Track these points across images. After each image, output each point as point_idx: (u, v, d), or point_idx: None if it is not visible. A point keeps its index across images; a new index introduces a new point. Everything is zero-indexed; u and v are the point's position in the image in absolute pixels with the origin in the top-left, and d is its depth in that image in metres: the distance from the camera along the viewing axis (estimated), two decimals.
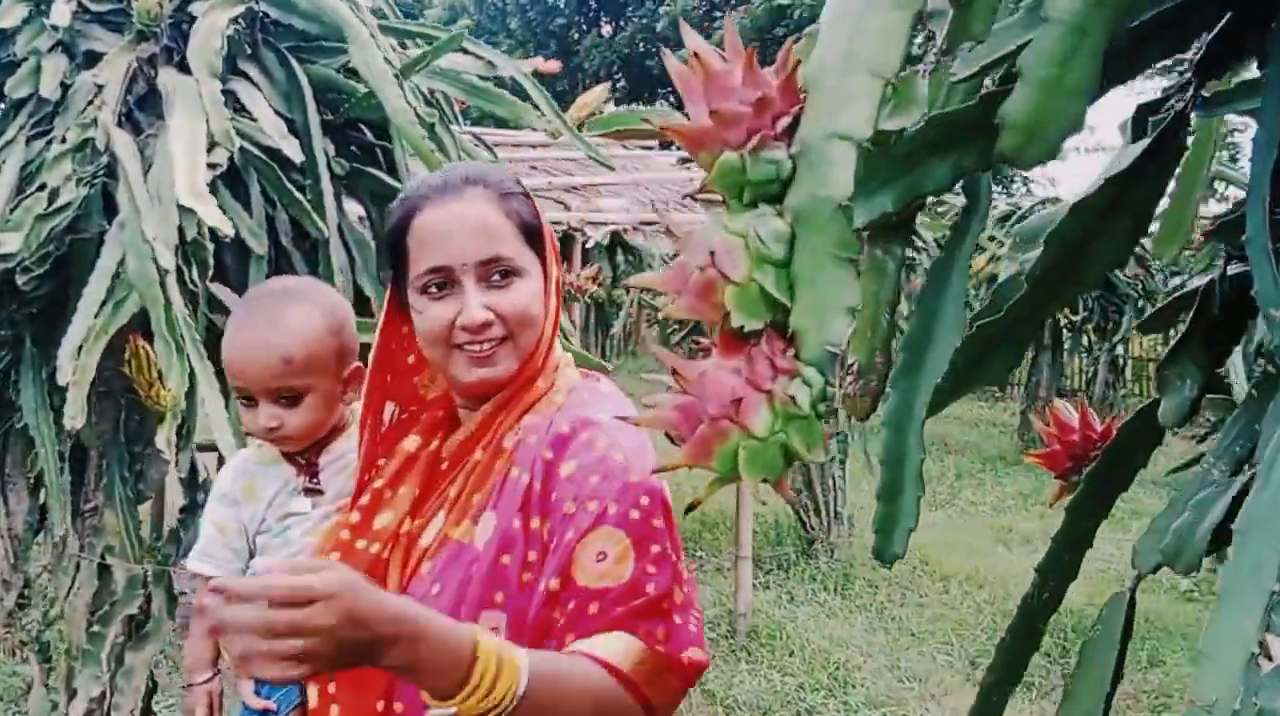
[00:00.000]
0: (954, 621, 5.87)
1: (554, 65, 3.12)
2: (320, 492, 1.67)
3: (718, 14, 23.13)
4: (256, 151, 2.68)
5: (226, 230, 2.21)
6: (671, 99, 25.66)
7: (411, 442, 1.52)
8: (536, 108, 2.98)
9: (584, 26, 25.11)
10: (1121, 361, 11.27)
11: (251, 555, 1.67)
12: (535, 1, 24.81)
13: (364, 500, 1.49)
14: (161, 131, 2.52)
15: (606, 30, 25.11)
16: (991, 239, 7.95)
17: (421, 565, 1.41)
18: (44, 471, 2.71)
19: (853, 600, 6.13)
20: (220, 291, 2.64)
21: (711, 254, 0.66)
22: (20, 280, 2.40)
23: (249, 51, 2.81)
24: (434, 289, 1.41)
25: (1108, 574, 6.67)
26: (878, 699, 4.81)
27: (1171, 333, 1.24)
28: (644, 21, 23.45)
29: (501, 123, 3.47)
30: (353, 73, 2.90)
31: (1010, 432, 11.97)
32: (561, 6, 24.74)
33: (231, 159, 2.63)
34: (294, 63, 2.80)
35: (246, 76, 2.76)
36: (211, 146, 2.47)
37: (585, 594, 1.30)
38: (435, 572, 1.38)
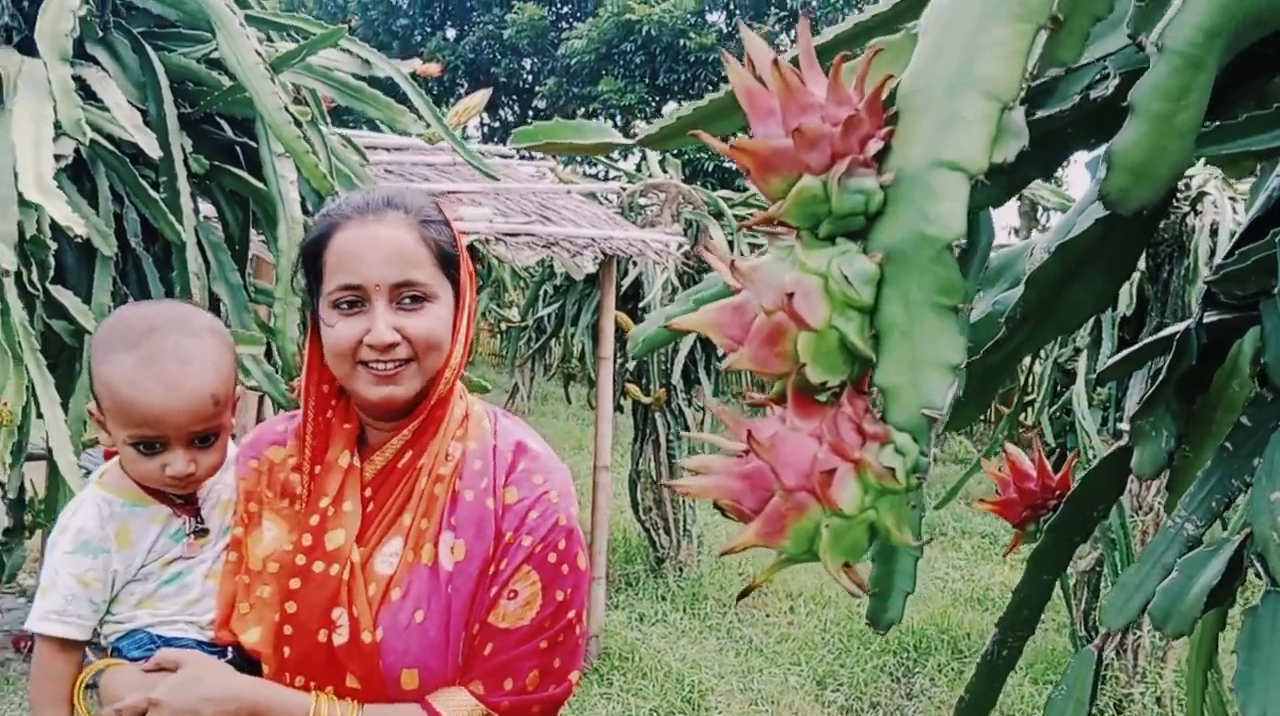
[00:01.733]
0: (801, 641, 5.91)
1: (434, 67, 2.97)
2: (207, 532, 1.52)
3: (563, 24, 23.07)
4: (106, 144, 2.45)
5: (78, 230, 1.98)
6: (515, 108, 25.47)
7: (344, 458, 1.51)
8: (414, 111, 2.83)
9: (428, 29, 24.66)
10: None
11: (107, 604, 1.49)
12: (378, 1, 24.25)
13: (313, 521, 1.47)
14: (1, 118, 2.27)
15: (451, 34, 24.74)
16: None
17: (390, 592, 1.43)
18: None
19: (703, 620, 6.11)
20: (61, 294, 2.39)
21: (788, 296, 0.56)
22: None
23: (99, 34, 2.58)
24: (345, 305, 1.44)
25: (943, 593, 6.85)
26: None
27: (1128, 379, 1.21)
28: (490, 28, 23.19)
29: (373, 126, 3.29)
30: (214, 63, 2.70)
31: None
32: (405, 7, 24.25)
33: (77, 151, 2.40)
34: (149, 49, 2.57)
35: (96, 62, 2.53)
36: (57, 137, 2.24)
37: (488, 632, 1.43)
38: (413, 598, 1.42)
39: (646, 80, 20.63)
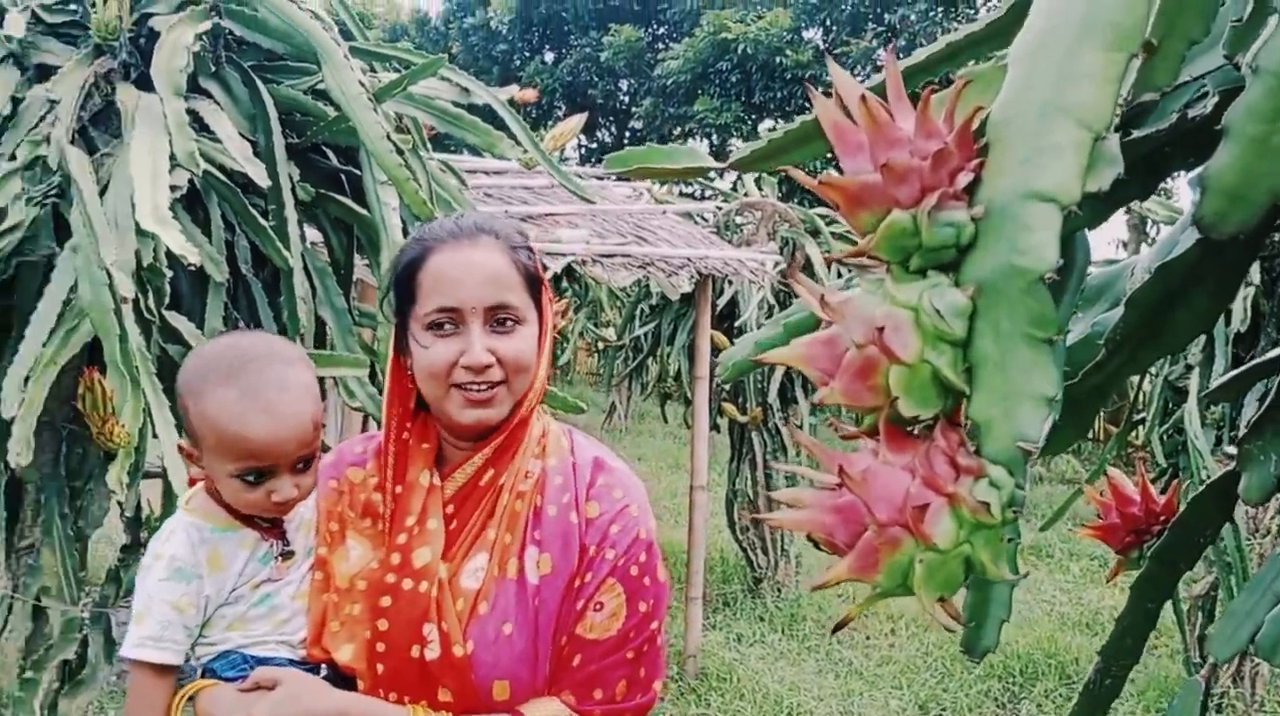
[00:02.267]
0: (902, 664, 5.81)
1: (530, 93, 3.01)
2: (293, 553, 1.56)
3: (660, 45, 23.19)
4: (218, 174, 2.54)
5: (192, 258, 2.06)
6: (612, 130, 25.66)
7: (425, 477, 1.55)
8: (512, 136, 2.88)
9: (526, 53, 25.02)
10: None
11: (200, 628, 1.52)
12: (478, 27, 24.68)
13: (400, 540, 1.51)
14: (119, 151, 2.37)
15: (549, 58, 25.06)
16: None
17: (478, 606, 1.46)
18: None
19: (801, 641, 6.05)
20: (175, 320, 2.49)
21: (879, 330, 0.56)
22: None
23: (212, 69, 2.67)
24: (441, 327, 1.48)
25: (1050, 617, 6.69)
26: None
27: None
28: (587, 50, 23.43)
29: (473, 151, 3.36)
30: (319, 94, 2.78)
31: None
32: (504, 33, 24.63)
33: (191, 182, 2.49)
34: (259, 82, 2.66)
35: (209, 95, 2.62)
36: (173, 168, 2.33)
37: (577, 643, 1.46)
38: (501, 611, 1.45)
39: (742, 99, 20.63)
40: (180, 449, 1.54)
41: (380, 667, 1.47)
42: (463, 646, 1.43)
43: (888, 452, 0.57)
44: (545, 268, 1.61)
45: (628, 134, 25.04)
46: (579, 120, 3.18)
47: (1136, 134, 0.82)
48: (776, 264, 5.83)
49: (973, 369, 0.57)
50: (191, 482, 1.64)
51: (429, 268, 1.49)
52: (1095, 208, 0.88)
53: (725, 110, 20.48)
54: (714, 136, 22.30)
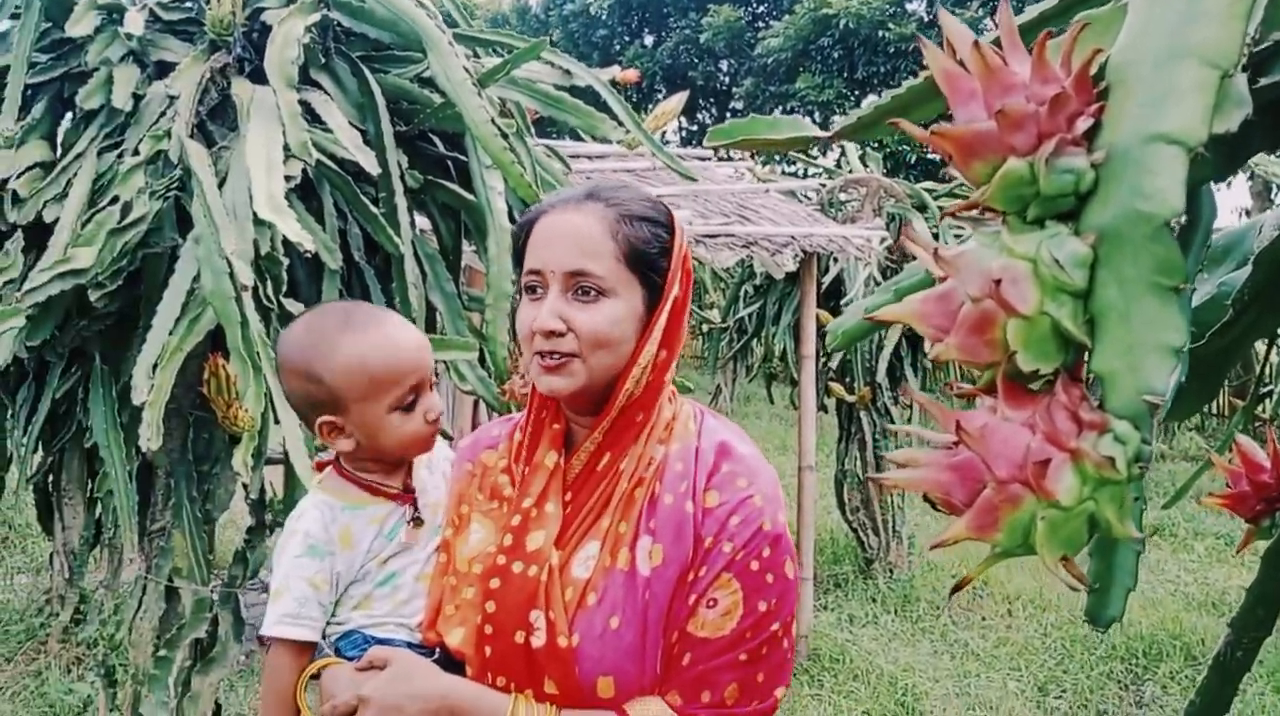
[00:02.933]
0: (1020, 645, 5.70)
1: (632, 74, 3.01)
2: (423, 522, 1.58)
3: (759, 24, 23.00)
4: (330, 163, 2.60)
5: (308, 246, 2.12)
6: (713, 111, 25.54)
7: (550, 458, 1.50)
8: (614, 117, 2.89)
9: (626, 38, 25.05)
10: None
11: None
12: (578, 13, 24.79)
13: (515, 521, 1.47)
14: (235, 143, 2.44)
15: (649, 41, 25.05)
16: None
17: (586, 597, 1.40)
18: (111, 490, 2.63)
19: (915, 622, 5.97)
20: (293, 307, 2.55)
21: (996, 282, 0.55)
22: (93, 297, 2.32)
23: (322, 61, 2.73)
24: (533, 291, 1.46)
25: (1174, 597, 6.50)
26: None
27: None
28: (686, 32, 23.36)
29: (575, 135, 3.37)
30: (425, 82, 2.82)
31: None
32: (604, 18, 24.69)
33: (304, 172, 2.55)
34: (367, 72, 2.71)
35: (319, 86, 2.68)
36: (287, 159, 2.39)
37: (686, 641, 1.39)
38: (609, 603, 1.39)
39: (844, 75, 20.37)
40: (324, 428, 1.55)
41: (488, 650, 1.43)
42: (568, 637, 1.38)
43: (1006, 409, 0.56)
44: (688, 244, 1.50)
45: (729, 114, 24.89)
46: (680, 100, 3.17)
47: (1265, 81, 0.79)
48: (883, 240, 5.75)
49: (1094, 320, 0.55)
50: (319, 467, 1.68)
51: (533, 232, 1.46)
52: (1221, 157, 0.84)
53: (827, 87, 20.25)
54: (816, 114, 22.05)
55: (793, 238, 5.03)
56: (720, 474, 1.43)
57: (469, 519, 1.56)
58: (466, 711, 1.39)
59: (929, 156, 21.13)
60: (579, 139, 5.68)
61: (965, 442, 0.55)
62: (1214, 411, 11.50)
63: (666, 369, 1.49)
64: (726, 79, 24.30)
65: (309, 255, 2.21)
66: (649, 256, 1.44)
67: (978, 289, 0.56)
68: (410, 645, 1.52)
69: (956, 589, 0.62)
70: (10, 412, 2.84)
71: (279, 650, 1.53)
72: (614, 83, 2.95)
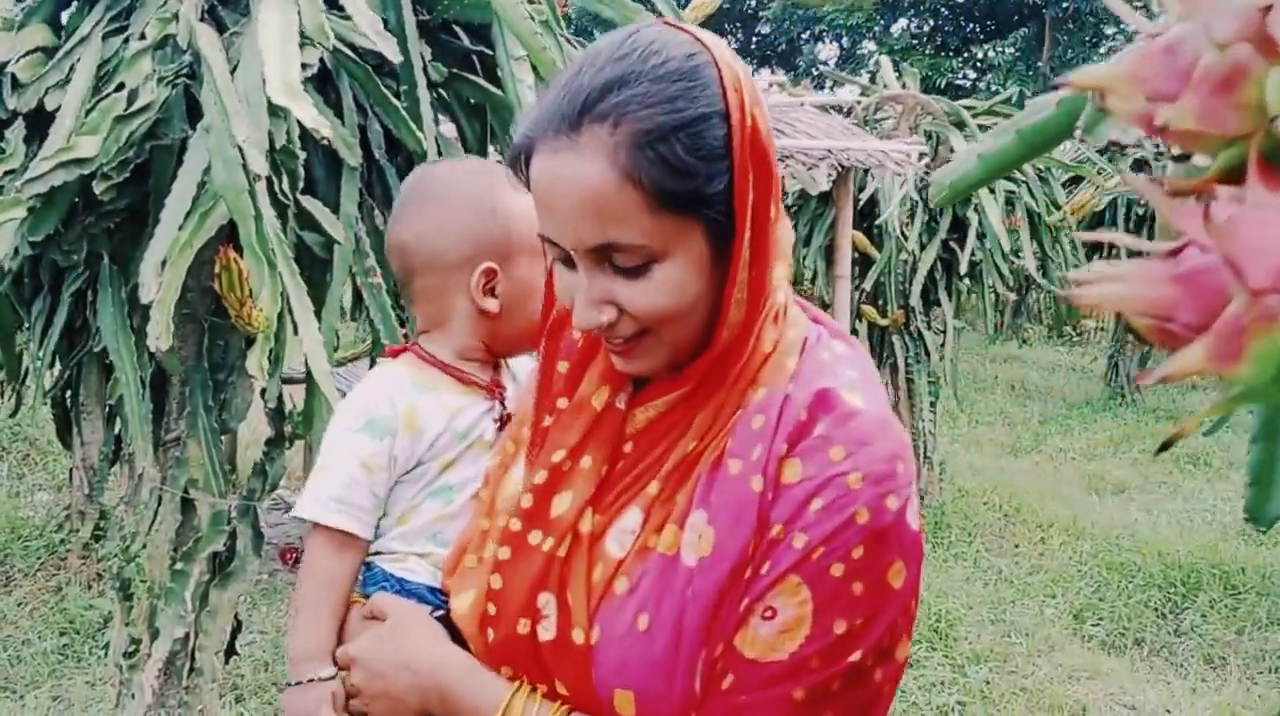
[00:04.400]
0: (1054, 573, 5.60)
1: None
2: (510, 419, 1.32)
3: None
4: (349, 52, 2.45)
5: (324, 132, 1.96)
6: (739, 36, 25.07)
7: (598, 396, 1.14)
8: (651, 6, 2.71)
9: None
10: None
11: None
12: None
13: (538, 477, 1.13)
14: (248, 28, 2.28)
15: None
16: (1098, 170, 7.51)
17: (615, 582, 1.07)
18: (123, 398, 2.51)
19: (947, 548, 5.87)
20: (311, 204, 2.41)
21: (1265, 9, 0.40)
22: (98, 189, 2.18)
23: None
24: (559, 261, 1.07)
25: (1211, 526, 6.38)
26: (983, 653, 4.57)
27: None
28: None
29: (607, 26, 3.19)
30: None
31: (1094, 378, 11.58)
32: None
33: (322, 61, 2.40)
34: None
35: None
36: (303, 45, 2.23)
37: (731, 658, 1.02)
38: (639, 598, 1.05)
39: None
40: (486, 275, 1.31)
41: (491, 635, 1.13)
42: (585, 630, 1.06)
43: (1263, 194, 0.41)
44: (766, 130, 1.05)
45: (755, 39, 24.46)
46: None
47: None
48: (922, 156, 5.54)
49: None
50: (391, 354, 1.40)
51: (532, 175, 1.03)
52: None
53: (856, 10, 19.77)
54: (844, 39, 21.61)
55: (829, 151, 4.84)
56: (810, 438, 1.03)
57: (519, 447, 1.23)
58: (456, 696, 1.13)
59: (959, 83, 20.68)
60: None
61: (1209, 239, 0.40)
62: None
63: (763, 284, 1.05)
64: (753, 1, 23.79)
65: (325, 143, 2.06)
66: (694, 183, 0.99)
67: (1229, 30, 0.41)
68: (431, 590, 1.26)
69: (1166, 446, 0.48)
70: (26, 325, 2.73)
71: (319, 541, 1.26)
72: None
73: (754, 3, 23.73)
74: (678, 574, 1.03)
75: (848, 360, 1.10)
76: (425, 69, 2.58)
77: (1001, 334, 11.82)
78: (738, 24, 24.75)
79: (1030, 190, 6.61)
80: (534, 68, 2.54)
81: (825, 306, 6.93)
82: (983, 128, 6.33)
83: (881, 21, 20.52)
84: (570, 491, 1.11)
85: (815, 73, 20.69)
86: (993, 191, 6.11)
